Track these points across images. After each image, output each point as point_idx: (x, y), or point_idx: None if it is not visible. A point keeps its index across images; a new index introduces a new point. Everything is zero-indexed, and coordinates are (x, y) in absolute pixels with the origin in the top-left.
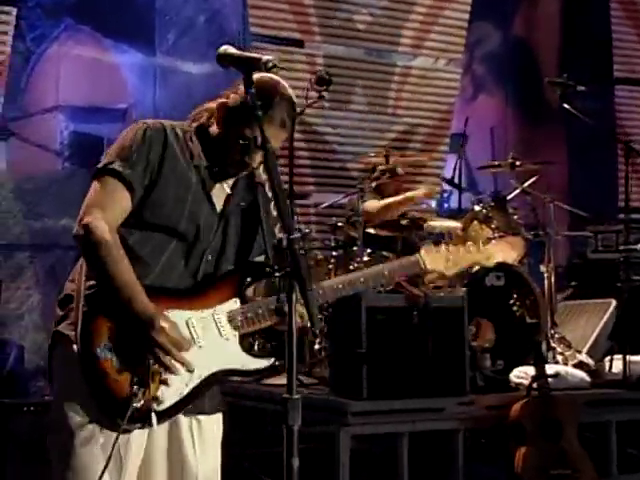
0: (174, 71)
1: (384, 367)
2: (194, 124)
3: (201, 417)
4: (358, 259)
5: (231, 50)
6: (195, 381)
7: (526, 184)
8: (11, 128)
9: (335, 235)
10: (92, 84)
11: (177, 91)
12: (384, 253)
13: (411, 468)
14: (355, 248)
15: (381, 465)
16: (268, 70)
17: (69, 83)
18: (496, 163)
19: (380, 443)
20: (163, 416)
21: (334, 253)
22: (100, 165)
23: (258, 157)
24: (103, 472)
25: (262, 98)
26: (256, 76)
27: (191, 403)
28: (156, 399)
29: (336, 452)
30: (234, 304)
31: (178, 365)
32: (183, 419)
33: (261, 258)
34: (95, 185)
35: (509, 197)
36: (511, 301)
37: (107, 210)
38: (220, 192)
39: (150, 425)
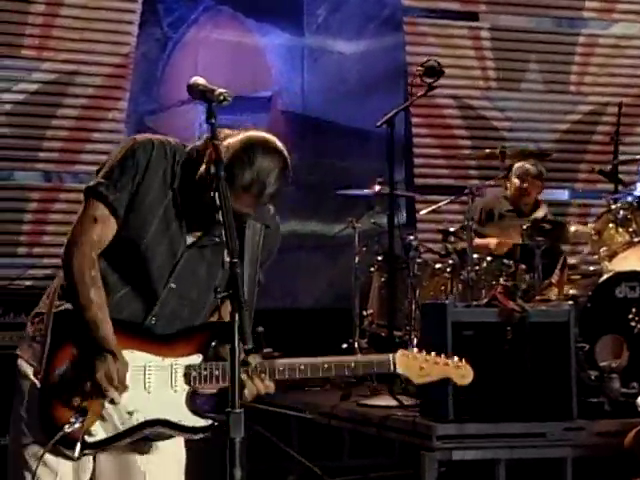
0: (325, 52)
1: (473, 387)
2: (189, 145)
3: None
4: (469, 269)
5: (200, 81)
6: (132, 423)
7: None
8: (146, 122)
9: (448, 242)
10: (233, 70)
11: (328, 75)
12: (505, 261)
13: None
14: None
15: None
16: (220, 102)
17: (208, 70)
18: None
19: (467, 470)
20: (90, 448)
21: (450, 261)
22: (89, 185)
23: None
24: None
25: (239, 164)
26: (241, 136)
27: (122, 442)
28: (88, 431)
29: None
30: (197, 359)
31: (106, 396)
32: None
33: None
34: (84, 208)
35: None
36: None
37: (92, 236)
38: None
39: (72, 453)
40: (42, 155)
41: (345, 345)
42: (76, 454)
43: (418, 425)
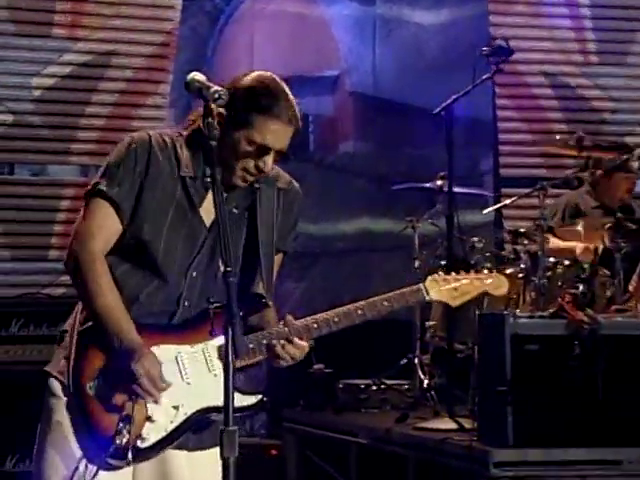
0: (400, 23)
1: (535, 409)
2: (185, 132)
3: (196, 453)
4: (540, 274)
5: (198, 77)
6: (180, 418)
7: None
8: (194, 108)
9: (519, 243)
10: (294, 47)
11: (404, 49)
12: (585, 266)
13: None
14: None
15: None
16: (215, 101)
17: (265, 47)
18: None
19: None
20: (145, 453)
21: (522, 265)
22: (89, 186)
23: (270, 160)
24: None
25: (265, 93)
26: (253, 74)
27: (176, 440)
28: (140, 436)
29: None
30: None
31: (152, 398)
32: (174, 455)
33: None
34: (85, 209)
35: None
36: None
37: (96, 236)
38: (211, 203)
39: (127, 462)
40: (75, 147)
41: (404, 361)
42: (130, 458)
43: (474, 450)
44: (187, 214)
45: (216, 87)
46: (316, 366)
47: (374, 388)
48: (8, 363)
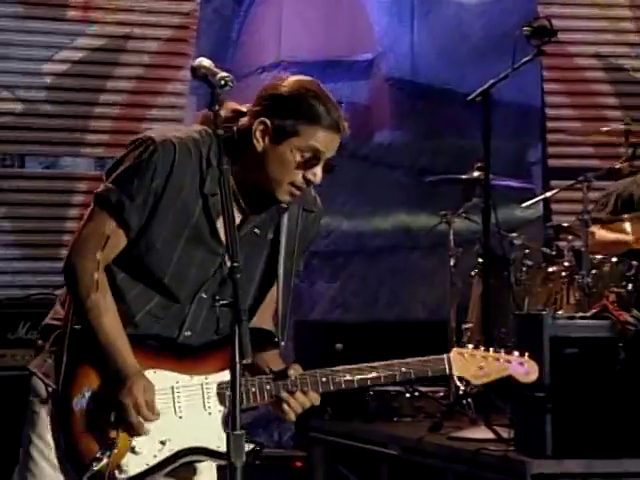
0: (440, 2)
1: (576, 417)
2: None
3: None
4: (584, 272)
5: (205, 63)
6: (165, 454)
7: None
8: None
9: (562, 239)
10: (326, 29)
11: (444, 30)
12: (634, 262)
13: None
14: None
15: None
16: (221, 88)
17: (295, 29)
18: None
19: None
20: None
21: (566, 263)
22: (99, 190)
23: (320, 171)
24: None
25: (312, 100)
26: (293, 80)
27: (157, 474)
28: (119, 466)
29: None
30: (228, 374)
31: (138, 431)
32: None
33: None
34: (90, 215)
35: None
36: None
37: (97, 247)
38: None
39: None
40: (89, 137)
41: None
42: None
43: (510, 461)
44: (202, 236)
45: (223, 73)
46: None
47: (407, 395)
48: (15, 368)
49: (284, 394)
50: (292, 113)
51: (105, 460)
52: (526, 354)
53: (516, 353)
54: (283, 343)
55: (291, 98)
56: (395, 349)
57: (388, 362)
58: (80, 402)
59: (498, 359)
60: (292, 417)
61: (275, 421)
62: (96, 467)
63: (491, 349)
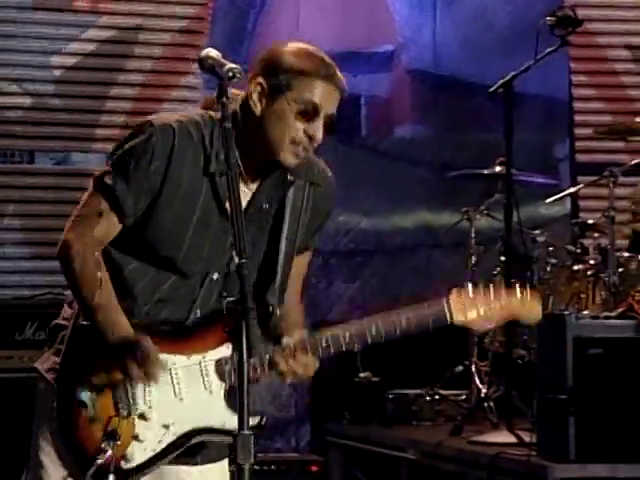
0: None
1: (600, 419)
2: (218, 114)
3: (194, 469)
4: (611, 271)
5: (212, 53)
6: (170, 438)
7: None
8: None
9: (588, 237)
10: (345, 19)
11: (468, 20)
12: None
13: None
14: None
15: None
16: (229, 79)
17: (313, 19)
18: None
19: None
20: (128, 476)
21: (591, 261)
22: (97, 173)
23: (320, 125)
24: None
25: (308, 56)
26: (290, 43)
27: (165, 460)
28: (124, 456)
29: None
30: (226, 350)
31: (151, 379)
32: (168, 471)
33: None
34: (88, 198)
35: None
36: None
37: (93, 229)
38: (242, 196)
39: None
40: (100, 132)
41: (460, 367)
42: None
43: (533, 466)
44: (212, 216)
45: (231, 64)
46: (363, 374)
47: (427, 399)
48: (22, 370)
49: (279, 359)
50: (285, 68)
51: (110, 452)
52: (527, 290)
53: (517, 289)
54: (281, 310)
55: (284, 55)
56: (415, 350)
57: (385, 316)
58: (81, 394)
59: (499, 301)
60: (283, 380)
61: (292, 425)
62: (100, 460)
63: (491, 287)
